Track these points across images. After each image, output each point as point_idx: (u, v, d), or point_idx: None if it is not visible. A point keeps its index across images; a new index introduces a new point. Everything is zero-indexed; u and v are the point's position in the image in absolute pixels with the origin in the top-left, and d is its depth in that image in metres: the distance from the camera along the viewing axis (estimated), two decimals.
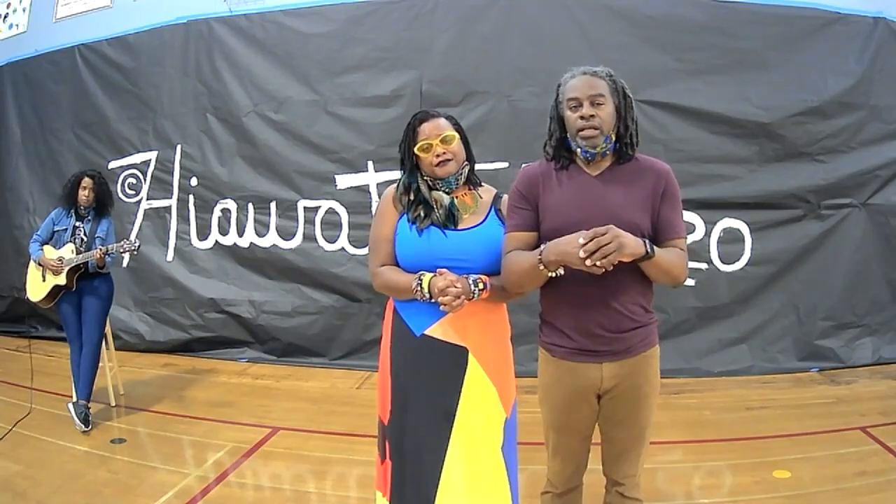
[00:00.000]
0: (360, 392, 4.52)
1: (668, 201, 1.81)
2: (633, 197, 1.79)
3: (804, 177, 4.71)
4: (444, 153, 1.96)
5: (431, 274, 1.87)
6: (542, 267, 1.71)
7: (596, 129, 1.76)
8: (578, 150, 1.81)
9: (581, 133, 1.78)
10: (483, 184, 2.11)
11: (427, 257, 1.91)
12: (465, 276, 1.87)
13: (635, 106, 1.86)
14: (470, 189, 2.05)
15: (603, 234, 1.59)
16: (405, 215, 1.98)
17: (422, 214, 1.95)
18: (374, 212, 2.13)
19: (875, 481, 2.90)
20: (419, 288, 1.86)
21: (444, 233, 1.94)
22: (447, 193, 1.99)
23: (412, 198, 1.99)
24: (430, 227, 1.94)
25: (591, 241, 1.58)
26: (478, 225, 1.98)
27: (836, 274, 4.74)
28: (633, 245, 1.63)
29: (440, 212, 1.95)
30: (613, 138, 1.81)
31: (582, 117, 1.77)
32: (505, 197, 2.07)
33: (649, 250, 1.66)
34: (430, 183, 2.00)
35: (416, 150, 1.99)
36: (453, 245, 1.93)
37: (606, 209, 1.76)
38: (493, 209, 2.03)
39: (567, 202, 1.80)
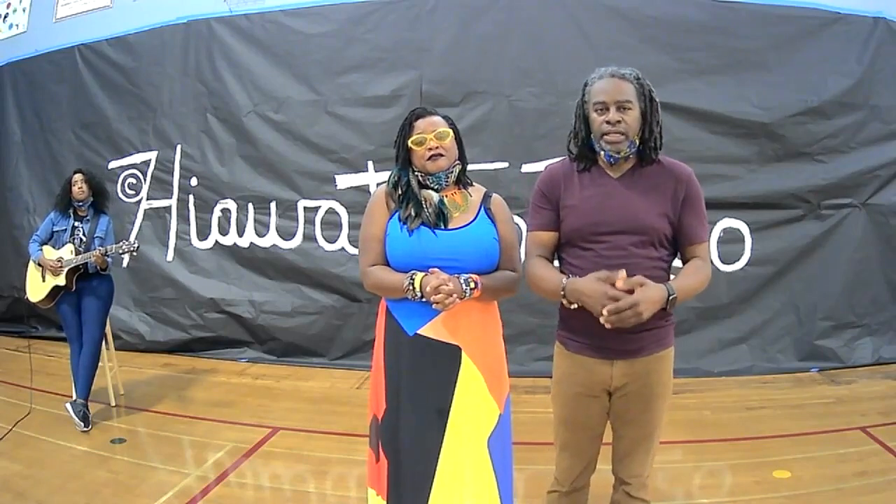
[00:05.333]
0: (360, 392, 4.52)
1: (690, 206, 1.81)
2: (653, 201, 1.79)
3: (804, 177, 4.72)
4: (436, 148, 1.97)
5: (423, 273, 1.87)
6: (563, 299, 1.75)
7: (621, 134, 1.77)
8: (602, 152, 1.81)
9: (606, 138, 1.78)
10: (474, 183, 2.11)
11: (417, 257, 1.91)
12: (456, 275, 1.87)
13: (660, 109, 1.85)
14: (460, 188, 2.05)
15: (626, 309, 1.60)
16: (396, 214, 1.98)
17: (412, 214, 1.95)
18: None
19: (875, 481, 2.90)
20: (411, 287, 1.86)
21: (433, 232, 1.94)
22: (436, 191, 1.99)
23: (401, 192, 2.00)
24: (421, 226, 1.94)
25: (614, 312, 1.60)
26: (468, 224, 1.98)
27: (836, 274, 4.74)
28: (655, 307, 1.65)
29: (430, 210, 1.95)
30: (637, 142, 1.81)
31: (608, 122, 1.77)
32: (494, 196, 2.08)
33: (669, 305, 1.69)
34: (420, 179, 2.01)
35: (409, 142, 1.99)
36: (443, 245, 1.93)
37: (627, 212, 1.78)
38: (482, 208, 2.03)
39: (588, 204, 1.81)
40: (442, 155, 1.97)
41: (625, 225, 1.76)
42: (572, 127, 1.89)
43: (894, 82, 4.72)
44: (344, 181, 5.18)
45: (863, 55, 4.70)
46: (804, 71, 4.68)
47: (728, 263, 4.77)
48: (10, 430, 3.67)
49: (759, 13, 4.69)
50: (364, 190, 5.11)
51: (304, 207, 5.27)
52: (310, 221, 5.26)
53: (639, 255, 1.76)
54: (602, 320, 1.62)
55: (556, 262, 1.93)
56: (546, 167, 1.96)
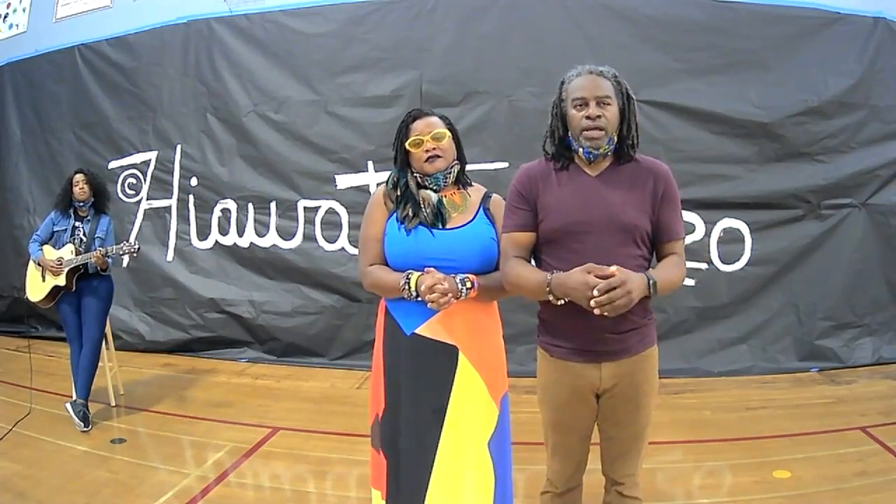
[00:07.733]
0: (360, 392, 4.52)
1: (668, 203, 1.82)
2: (632, 198, 1.79)
3: (804, 177, 4.71)
4: (433, 149, 1.97)
5: (419, 273, 1.87)
6: (549, 296, 1.72)
7: (601, 129, 1.76)
8: (581, 149, 1.81)
9: (585, 133, 1.77)
10: (473, 183, 2.11)
11: (415, 257, 1.92)
12: (452, 275, 1.88)
13: (637, 107, 1.86)
14: (459, 188, 2.05)
15: (615, 289, 1.58)
16: (394, 214, 1.99)
17: (410, 214, 1.95)
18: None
19: (875, 481, 2.90)
20: (406, 286, 1.87)
21: (431, 232, 1.94)
22: (435, 191, 2.00)
23: (400, 193, 2.00)
24: (419, 226, 1.94)
25: (604, 295, 1.58)
26: (466, 224, 1.99)
27: (836, 274, 4.74)
28: (640, 291, 1.64)
29: (428, 210, 1.95)
30: (616, 139, 1.81)
31: (588, 118, 1.76)
32: (494, 196, 2.07)
33: (652, 292, 1.68)
34: (418, 180, 2.01)
35: (406, 144, 2.00)
36: (441, 244, 1.93)
37: (606, 210, 1.77)
38: (481, 208, 2.03)
39: (567, 203, 1.80)
40: (439, 156, 1.98)
41: (607, 223, 1.76)
42: (548, 126, 1.88)
43: (894, 82, 4.72)
44: (344, 181, 5.18)
45: (863, 55, 4.70)
46: (804, 71, 4.68)
47: (728, 263, 4.77)
48: (10, 430, 3.67)
49: (759, 13, 4.69)
50: (364, 190, 5.11)
51: (304, 207, 5.27)
52: (310, 221, 5.26)
53: (621, 253, 1.75)
54: (592, 303, 1.60)
55: (533, 263, 1.91)
56: (521, 167, 1.94)
